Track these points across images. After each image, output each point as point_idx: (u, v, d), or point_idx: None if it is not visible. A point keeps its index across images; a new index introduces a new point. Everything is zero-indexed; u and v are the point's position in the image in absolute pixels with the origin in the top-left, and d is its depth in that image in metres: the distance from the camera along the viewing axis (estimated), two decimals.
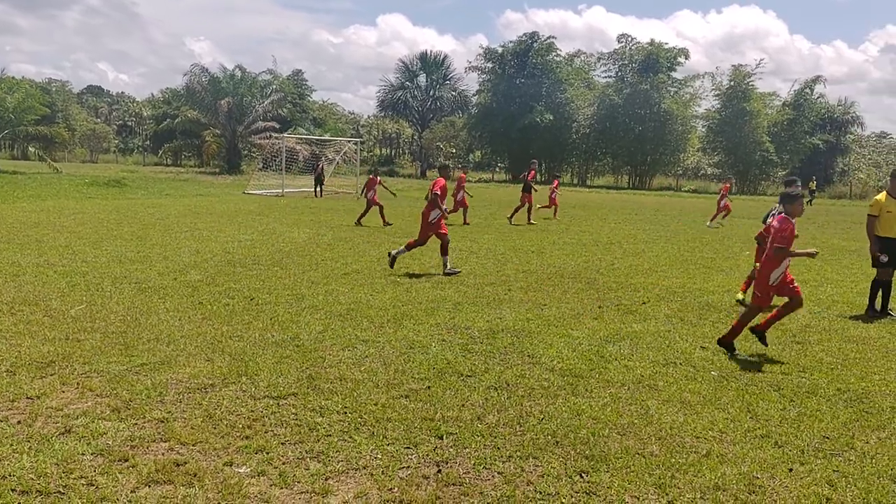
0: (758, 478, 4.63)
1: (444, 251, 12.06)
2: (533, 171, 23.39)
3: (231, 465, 4.58)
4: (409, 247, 12.35)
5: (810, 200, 43.34)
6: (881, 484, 4.60)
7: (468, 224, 21.17)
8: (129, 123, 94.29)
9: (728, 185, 27.23)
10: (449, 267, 11.95)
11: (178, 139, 67.34)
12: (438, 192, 12.12)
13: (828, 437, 5.35)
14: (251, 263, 12.38)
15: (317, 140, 47.69)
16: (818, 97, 63.62)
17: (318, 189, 32.91)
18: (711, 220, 25.32)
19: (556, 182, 26.49)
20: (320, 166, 34.43)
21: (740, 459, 4.90)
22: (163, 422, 5.22)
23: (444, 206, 12.27)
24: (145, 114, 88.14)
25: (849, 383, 6.68)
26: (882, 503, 4.35)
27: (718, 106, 62.61)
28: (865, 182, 61.03)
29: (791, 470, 4.76)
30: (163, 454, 4.71)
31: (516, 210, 22.70)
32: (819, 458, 4.97)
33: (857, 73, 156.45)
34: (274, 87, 61.69)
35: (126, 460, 4.59)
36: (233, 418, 5.33)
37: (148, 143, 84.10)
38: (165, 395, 5.74)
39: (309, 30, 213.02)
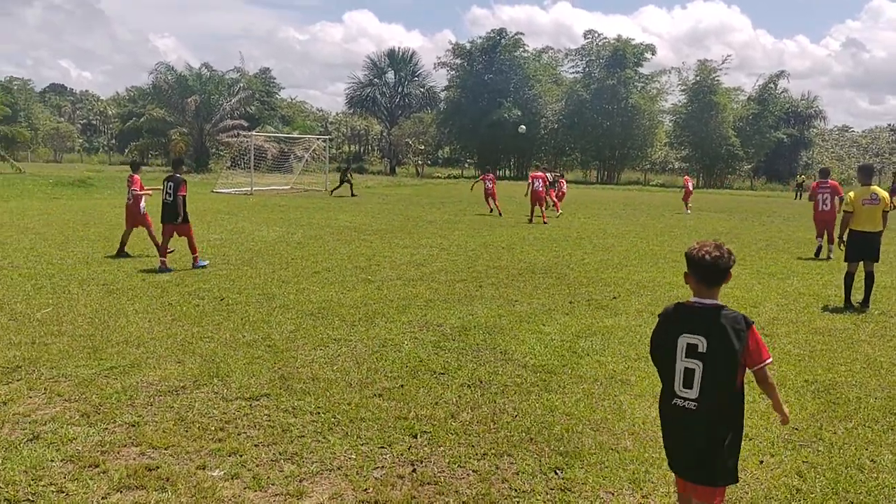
0: None
1: None
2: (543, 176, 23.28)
3: (204, 469, 4.53)
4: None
5: (798, 195, 43.76)
6: (849, 474, 4.69)
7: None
8: (94, 122, 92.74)
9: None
10: None
11: (144, 138, 66.39)
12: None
13: (797, 429, 5.44)
14: (220, 263, 12.26)
15: (285, 138, 47.32)
16: (782, 92, 64.72)
17: (350, 189, 32.18)
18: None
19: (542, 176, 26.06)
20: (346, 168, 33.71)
21: None
22: (133, 426, 5.15)
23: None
24: (110, 112, 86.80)
25: (816, 374, 6.80)
26: (850, 492, 4.44)
27: (685, 101, 63.34)
28: (837, 181, 62.16)
29: (762, 462, 4.84)
30: (134, 459, 4.65)
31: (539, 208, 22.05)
32: (788, 450, 5.05)
33: (820, 67, 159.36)
34: (241, 84, 61.11)
35: (96, 466, 4.52)
36: (205, 421, 5.28)
37: (113, 142, 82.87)
38: (136, 399, 5.66)
39: (275, 27, 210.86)
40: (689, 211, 28.43)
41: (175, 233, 11.97)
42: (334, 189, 32.55)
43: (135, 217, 13.39)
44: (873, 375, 6.82)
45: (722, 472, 3.33)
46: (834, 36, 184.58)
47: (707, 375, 3.27)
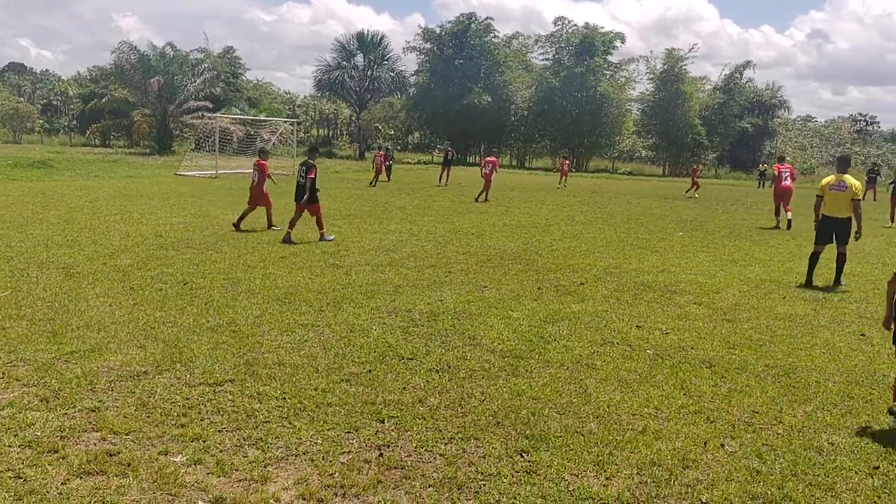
0: (691, 453, 4.76)
1: None
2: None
3: (166, 455, 4.47)
4: None
5: (761, 183, 44.18)
6: (808, 456, 4.78)
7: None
8: (55, 103, 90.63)
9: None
10: None
11: (106, 119, 65.08)
12: None
13: (757, 412, 5.54)
14: (184, 247, 12.09)
15: (252, 120, 46.74)
16: (747, 81, 65.39)
17: (388, 175, 31.80)
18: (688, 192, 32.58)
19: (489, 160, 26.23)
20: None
21: (674, 435, 5.03)
22: (94, 411, 5.06)
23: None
24: (71, 93, 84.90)
25: (776, 359, 6.92)
26: (809, 474, 4.52)
27: (653, 89, 63.71)
28: (791, 164, 63.18)
29: (723, 445, 4.91)
30: (94, 444, 4.57)
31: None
32: (749, 433, 5.13)
33: (785, 58, 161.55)
34: (206, 65, 59.98)
35: (56, 451, 4.44)
36: (167, 406, 5.21)
37: (75, 122, 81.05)
38: (96, 384, 5.57)
39: (241, 7, 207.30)
40: (561, 186, 34.43)
41: (306, 211, 13.57)
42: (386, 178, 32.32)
43: (258, 197, 15.02)
44: (832, 360, 6.96)
45: None
46: (798, 27, 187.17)
47: None
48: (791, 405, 5.72)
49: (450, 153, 33.03)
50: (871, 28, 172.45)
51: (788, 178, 19.40)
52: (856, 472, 4.57)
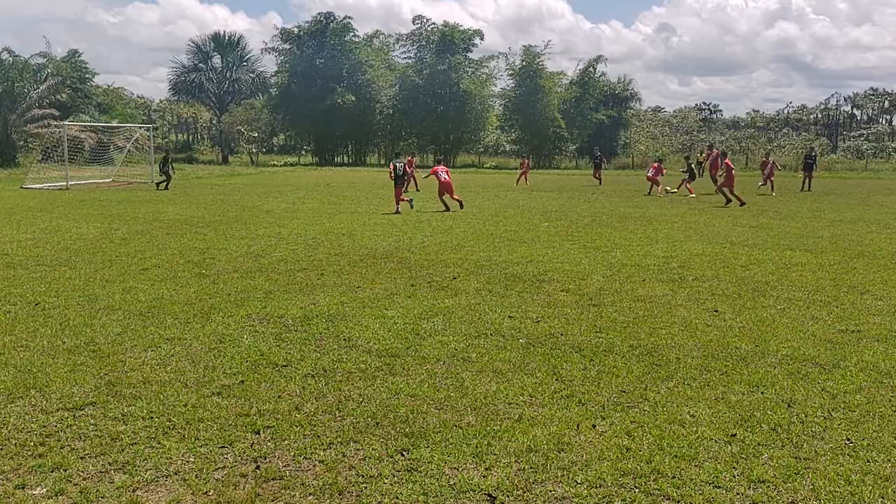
0: (565, 436, 4.92)
1: None
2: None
3: (24, 488, 4.17)
4: None
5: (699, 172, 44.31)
6: (672, 429, 5.06)
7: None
8: None
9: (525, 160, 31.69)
10: None
11: None
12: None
13: (624, 391, 5.80)
14: (34, 265, 11.28)
15: (104, 127, 44.22)
16: (601, 75, 68.21)
17: (166, 183, 29.72)
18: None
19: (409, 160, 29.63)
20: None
21: (549, 420, 5.19)
22: None
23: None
24: None
25: (640, 339, 7.28)
26: (674, 447, 4.78)
27: (513, 85, 65.34)
28: (645, 153, 66.53)
29: (594, 426, 5.11)
30: None
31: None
32: (618, 412, 5.37)
33: (634, 51, 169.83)
34: (49, 70, 56.25)
35: None
36: (22, 436, 4.85)
37: None
38: None
39: (82, 8, 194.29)
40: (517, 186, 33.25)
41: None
42: (159, 184, 30.31)
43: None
44: (690, 337, 7.39)
45: None
46: (643, 22, 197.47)
47: None
48: (655, 382, 6.03)
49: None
50: (709, 22, 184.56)
51: (653, 170, 28.58)
52: (715, 441, 4.88)
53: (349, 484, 4.27)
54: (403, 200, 20.87)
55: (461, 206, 21.11)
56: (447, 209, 20.76)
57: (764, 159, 30.60)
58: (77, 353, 6.68)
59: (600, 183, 34.62)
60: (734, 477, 4.39)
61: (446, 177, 21.31)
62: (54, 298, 8.94)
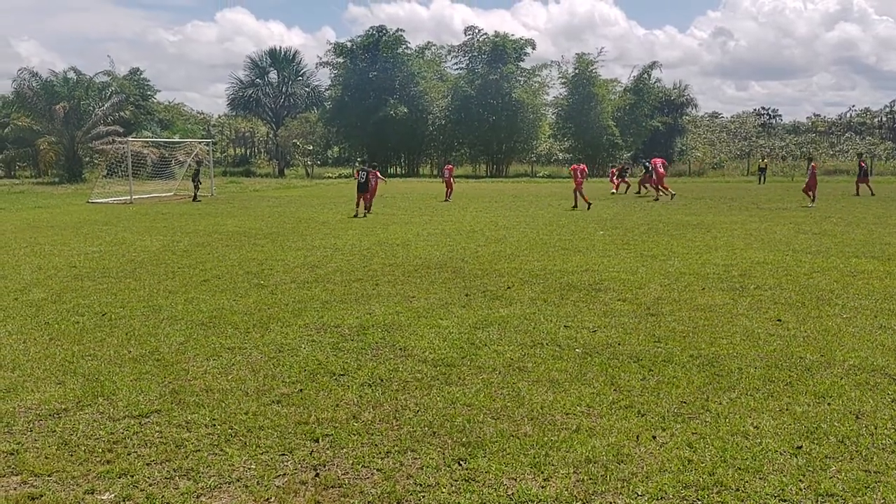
0: (625, 447, 4.85)
1: None
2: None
3: (93, 493, 4.30)
4: None
5: (761, 179, 44.00)
6: (735, 441, 4.94)
7: None
8: None
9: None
10: None
11: (9, 149, 62.18)
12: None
13: (685, 402, 5.69)
14: (101, 276, 11.66)
15: (165, 142, 45.52)
16: (655, 81, 67.41)
17: (195, 193, 30.93)
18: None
19: (449, 168, 31.33)
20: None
21: (608, 431, 5.12)
22: (13, 454, 4.82)
23: None
24: None
25: (700, 349, 7.14)
26: (737, 459, 4.67)
27: (566, 93, 65.03)
28: (702, 160, 65.45)
29: (654, 437, 5.03)
30: (15, 489, 4.35)
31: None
32: (679, 423, 5.27)
33: (690, 57, 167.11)
34: (113, 88, 58.20)
35: None
36: (91, 443, 5.00)
37: None
38: (13, 425, 5.30)
39: (143, 28, 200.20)
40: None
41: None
42: (195, 197, 30.79)
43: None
44: (752, 347, 7.22)
45: None
46: (698, 26, 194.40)
47: None
48: (717, 393, 5.90)
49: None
50: (767, 25, 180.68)
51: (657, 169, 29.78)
52: (780, 454, 4.75)
53: (407, 492, 4.28)
54: (361, 206, 23.14)
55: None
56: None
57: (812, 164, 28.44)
58: (142, 362, 6.87)
59: (626, 191, 34.51)
60: (801, 490, 4.27)
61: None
62: (120, 309, 9.21)
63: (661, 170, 30.24)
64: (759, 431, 5.10)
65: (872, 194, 29.61)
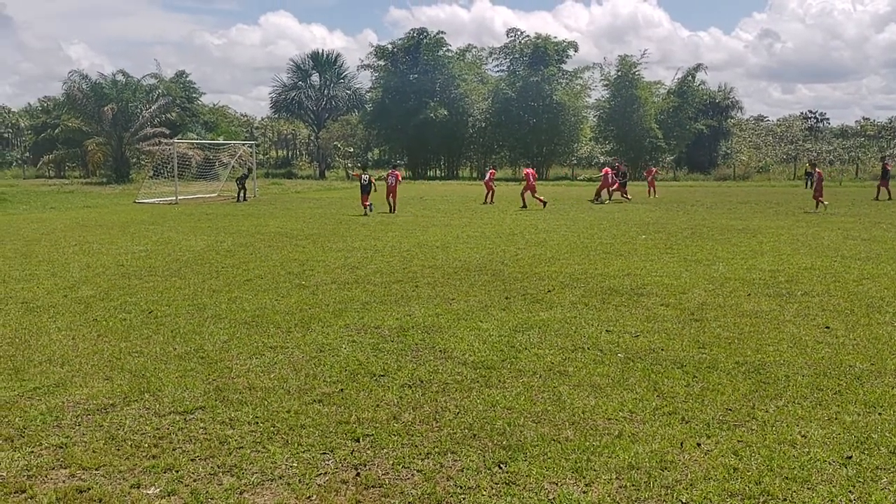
0: (668, 454, 4.78)
1: None
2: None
3: (139, 487, 4.38)
4: None
5: (808, 183, 42.93)
6: (782, 450, 4.84)
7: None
8: (6, 135, 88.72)
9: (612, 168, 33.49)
10: None
11: (59, 149, 63.83)
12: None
13: (730, 409, 5.59)
14: (147, 275, 11.89)
15: (210, 144, 46.26)
16: (700, 84, 66.41)
17: (239, 194, 31.90)
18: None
19: (491, 172, 30.63)
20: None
21: (651, 437, 5.05)
22: (61, 447, 4.93)
23: None
24: (23, 124, 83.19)
25: (746, 356, 7.01)
26: (784, 468, 4.58)
27: (608, 96, 64.45)
28: (747, 164, 64.28)
29: (699, 444, 4.95)
30: (63, 482, 4.45)
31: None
32: (724, 430, 5.18)
33: (735, 59, 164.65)
34: (160, 90, 59.36)
35: (23, 491, 4.31)
36: (137, 438, 5.10)
37: (27, 154, 79.33)
38: (62, 420, 5.43)
39: (190, 31, 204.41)
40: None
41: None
42: (239, 198, 31.85)
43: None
44: (799, 354, 7.07)
45: None
46: (743, 28, 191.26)
47: None
48: (763, 400, 5.79)
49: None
50: (814, 27, 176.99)
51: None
52: (829, 464, 4.64)
53: (447, 494, 4.28)
54: (367, 205, 24.56)
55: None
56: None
57: (810, 170, 27.82)
58: (187, 359, 6.98)
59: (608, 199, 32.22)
60: (850, 501, 4.16)
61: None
62: (166, 307, 9.38)
63: (610, 180, 30.95)
64: (808, 440, 4.99)
65: (889, 198, 29.00)
